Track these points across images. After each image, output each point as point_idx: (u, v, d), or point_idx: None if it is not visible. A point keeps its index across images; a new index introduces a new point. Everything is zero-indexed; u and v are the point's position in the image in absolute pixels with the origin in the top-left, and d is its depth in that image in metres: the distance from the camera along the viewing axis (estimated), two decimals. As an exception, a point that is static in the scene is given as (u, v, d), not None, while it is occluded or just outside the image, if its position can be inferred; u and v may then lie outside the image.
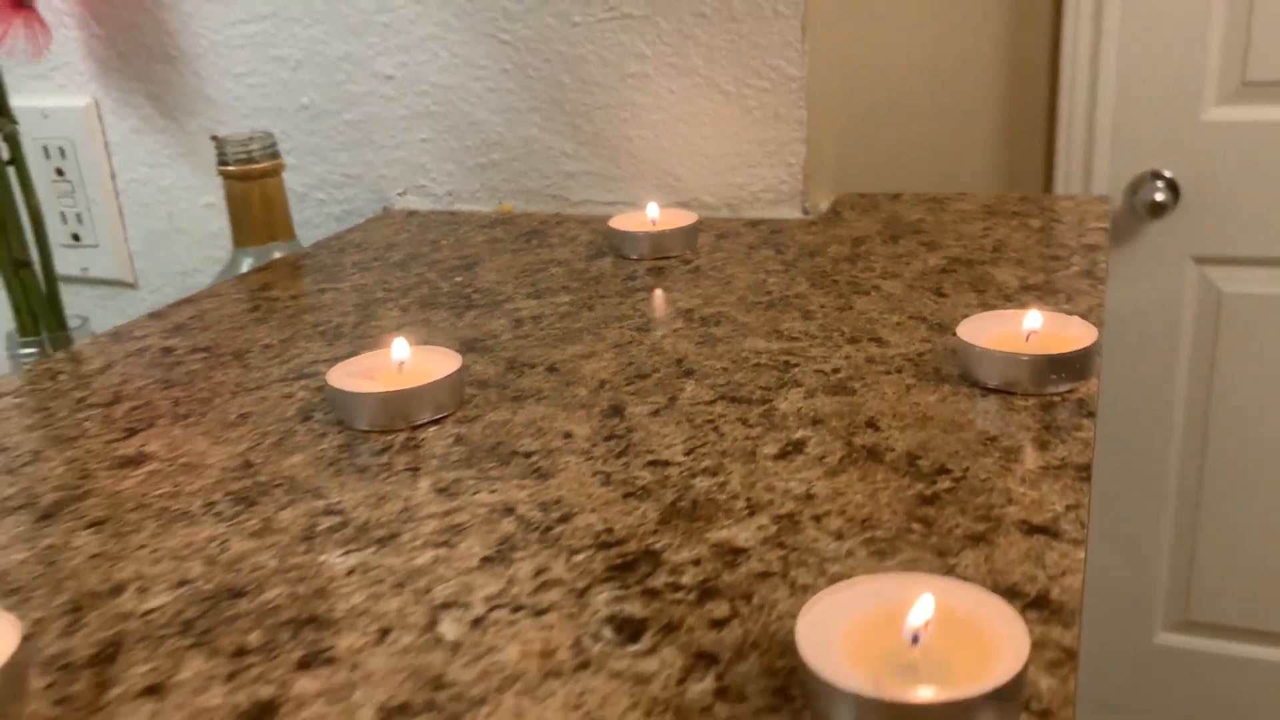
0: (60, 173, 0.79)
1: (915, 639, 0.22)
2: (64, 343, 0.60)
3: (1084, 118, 1.26)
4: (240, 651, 0.26)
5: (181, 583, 0.29)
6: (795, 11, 0.58)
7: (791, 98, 0.60)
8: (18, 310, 0.58)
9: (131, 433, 0.39)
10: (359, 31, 0.67)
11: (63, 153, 0.79)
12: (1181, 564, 1.75)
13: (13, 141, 0.57)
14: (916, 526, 0.29)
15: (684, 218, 0.57)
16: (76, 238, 0.81)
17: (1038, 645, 0.24)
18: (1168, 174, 1.48)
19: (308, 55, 0.69)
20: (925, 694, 0.20)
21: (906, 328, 0.44)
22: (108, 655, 0.26)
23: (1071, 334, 0.39)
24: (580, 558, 0.29)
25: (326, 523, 0.32)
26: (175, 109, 0.74)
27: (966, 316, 0.40)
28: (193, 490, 0.34)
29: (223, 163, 0.63)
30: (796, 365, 0.41)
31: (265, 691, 0.24)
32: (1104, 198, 0.74)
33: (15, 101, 0.75)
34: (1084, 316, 0.39)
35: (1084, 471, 0.32)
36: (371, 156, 0.70)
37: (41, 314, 0.58)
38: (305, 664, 0.25)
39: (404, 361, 0.40)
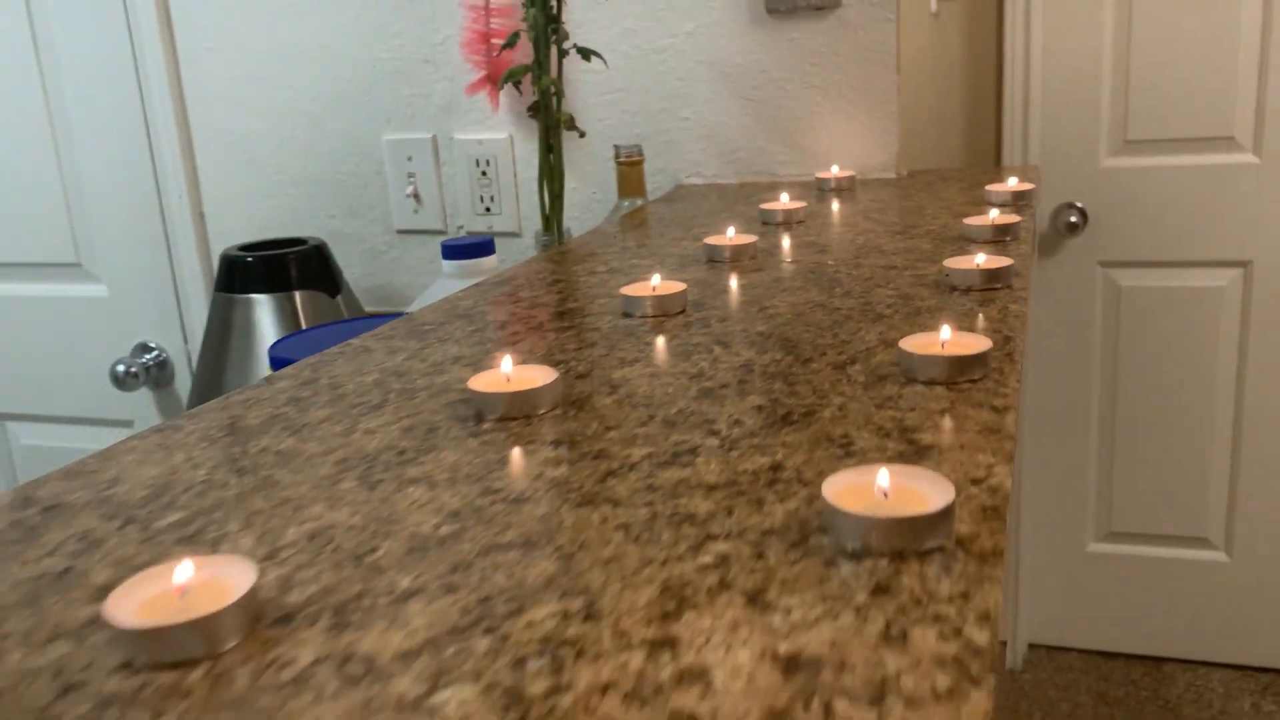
0: (484, 174, 1.47)
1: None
2: (561, 237, 1.26)
3: (1020, 169, 2.00)
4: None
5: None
6: (892, 86, 1.29)
7: (892, 124, 1.30)
8: (546, 218, 1.25)
9: (684, 241, 1.07)
10: (671, 97, 1.37)
11: (487, 163, 1.46)
12: (1104, 487, 2.51)
13: (557, 133, 1.24)
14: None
15: (849, 173, 1.27)
16: (488, 210, 1.48)
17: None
18: (1079, 204, 2.33)
19: (642, 108, 1.38)
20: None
21: (963, 195, 1.13)
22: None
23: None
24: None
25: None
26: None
27: (987, 192, 1.09)
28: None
29: (617, 157, 1.31)
30: (927, 205, 1.10)
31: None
32: (1035, 166, 1.47)
33: (463, 134, 1.43)
34: (1025, 182, 1.08)
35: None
36: (671, 158, 1.39)
37: (557, 221, 1.25)
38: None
39: (788, 207, 1.08)
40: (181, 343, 1.71)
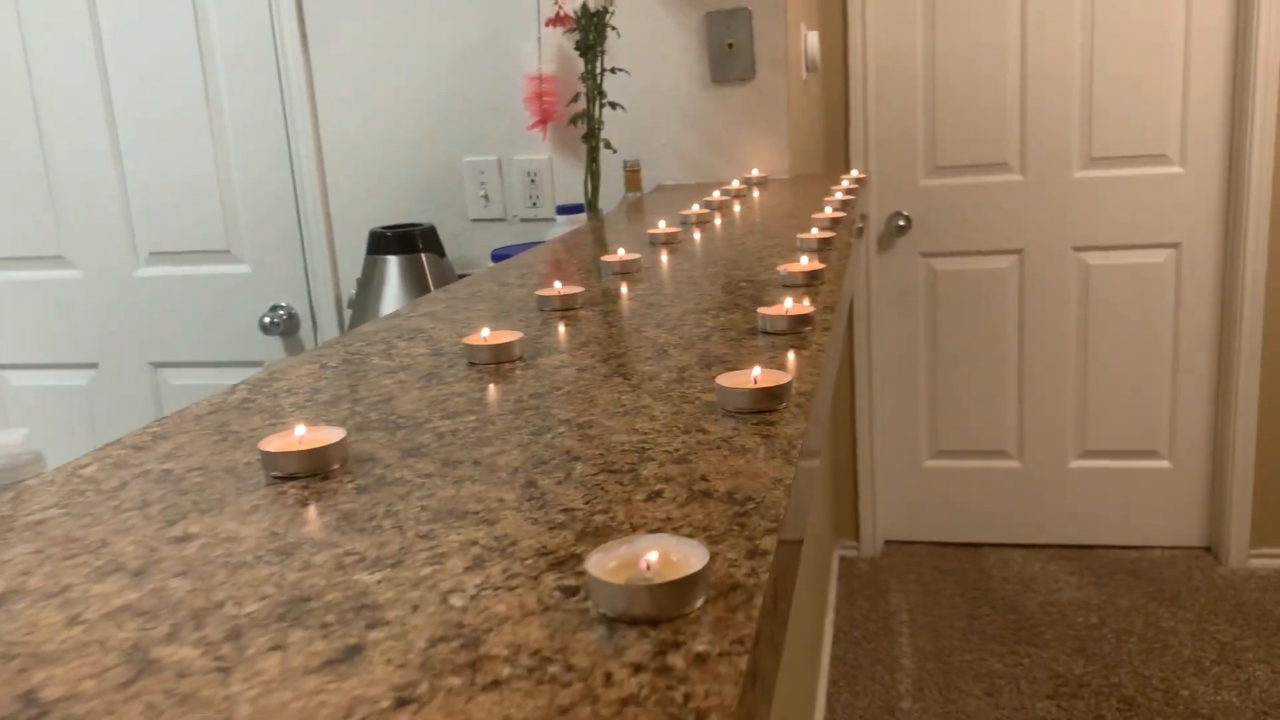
0: (532, 181, 2.31)
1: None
2: (599, 213, 2.11)
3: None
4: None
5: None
6: (785, 123, 2.19)
7: (785, 146, 2.20)
8: (589, 202, 2.10)
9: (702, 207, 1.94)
10: (654, 130, 2.24)
11: (535, 175, 2.31)
12: (932, 417, 3.49)
13: (598, 151, 2.09)
14: (840, 194, 1.89)
15: (762, 175, 2.16)
16: (534, 205, 2.32)
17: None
18: (905, 212, 3.37)
19: (637, 137, 2.25)
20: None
21: (828, 183, 2.03)
22: (732, 204, 1.83)
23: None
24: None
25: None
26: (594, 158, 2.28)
27: (839, 179, 1.99)
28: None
29: (625, 166, 2.17)
30: (808, 189, 1.99)
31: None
32: (863, 172, 2.42)
33: (519, 156, 2.29)
34: (854, 177, 1.99)
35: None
36: (655, 168, 2.25)
37: (596, 204, 2.10)
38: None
39: (736, 189, 1.97)
40: (307, 304, 2.49)
